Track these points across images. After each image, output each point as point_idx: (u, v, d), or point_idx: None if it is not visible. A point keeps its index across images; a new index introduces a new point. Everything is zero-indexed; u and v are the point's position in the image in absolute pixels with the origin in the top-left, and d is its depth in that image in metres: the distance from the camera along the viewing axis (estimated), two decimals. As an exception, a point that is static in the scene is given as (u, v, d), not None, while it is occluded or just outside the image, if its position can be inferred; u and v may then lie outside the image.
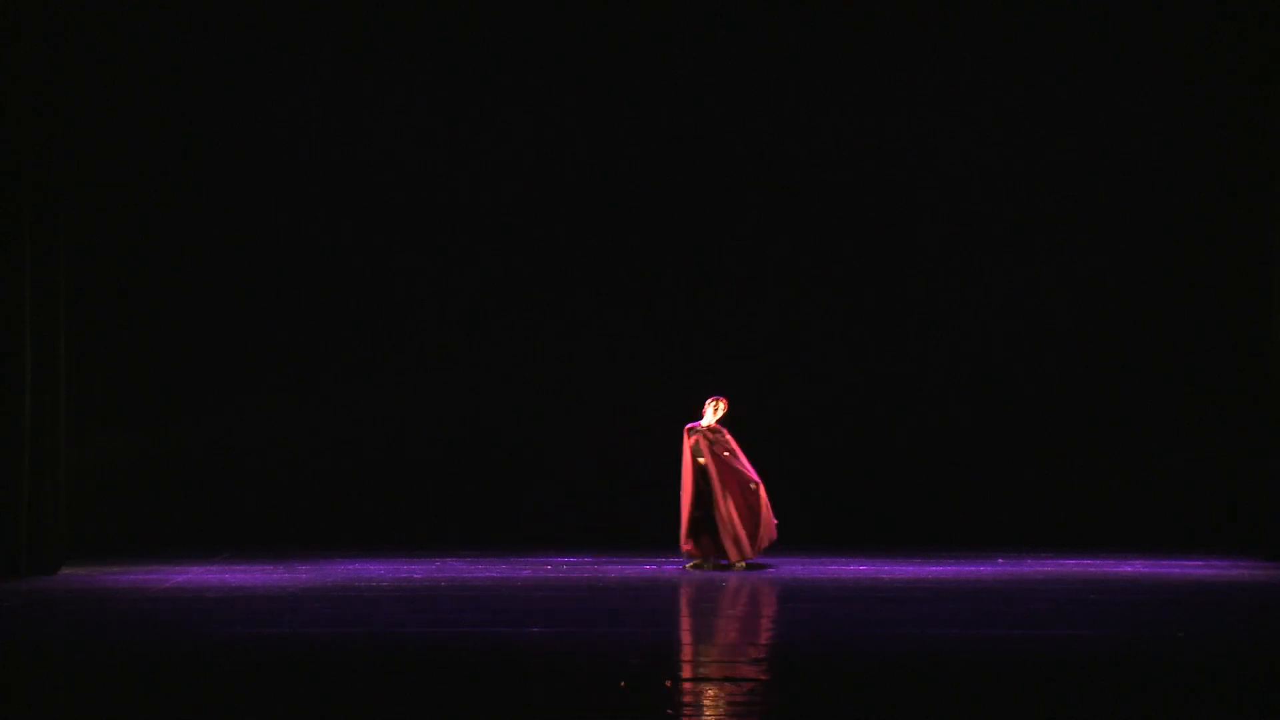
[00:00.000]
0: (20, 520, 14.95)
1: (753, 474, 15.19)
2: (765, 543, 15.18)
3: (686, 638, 11.63)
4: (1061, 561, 15.81)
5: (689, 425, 15.30)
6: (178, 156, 17.50)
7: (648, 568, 15.41)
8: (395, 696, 8.87)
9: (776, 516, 15.23)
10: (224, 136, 17.59)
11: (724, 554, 15.13)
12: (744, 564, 15.09)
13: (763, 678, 9.62)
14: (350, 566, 15.38)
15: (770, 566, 15.33)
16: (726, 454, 15.17)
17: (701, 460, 15.18)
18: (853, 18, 17.75)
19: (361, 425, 17.90)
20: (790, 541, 16.97)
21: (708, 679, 9.57)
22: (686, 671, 9.92)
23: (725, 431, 15.30)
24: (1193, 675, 9.59)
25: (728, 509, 15.09)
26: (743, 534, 15.10)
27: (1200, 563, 15.75)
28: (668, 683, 9.38)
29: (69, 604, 12.92)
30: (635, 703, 8.82)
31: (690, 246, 18.03)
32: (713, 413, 15.32)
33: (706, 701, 8.90)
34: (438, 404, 17.93)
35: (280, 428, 17.80)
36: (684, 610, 13.01)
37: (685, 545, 15.22)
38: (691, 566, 15.22)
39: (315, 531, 17.49)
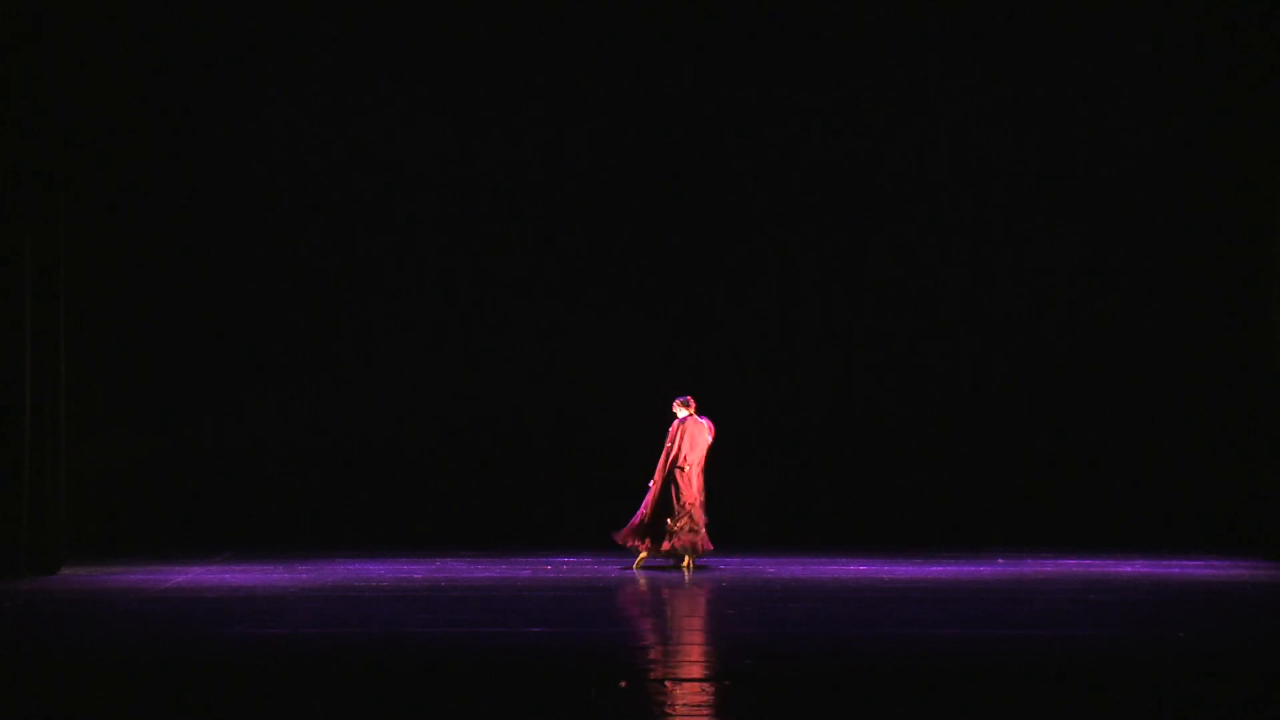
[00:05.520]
0: (20, 520, 14.96)
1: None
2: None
3: (684, 637, 11.63)
4: (1061, 561, 15.81)
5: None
6: (178, 156, 17.50)
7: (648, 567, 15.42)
8: (395, 696, 8.87)
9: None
10: (224, 137, 17.59)
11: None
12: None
13: (763, 678, 9.63)
14: (350, 566, 15.38)
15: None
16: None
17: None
18: (853, 16, 17.74)
19: (362, 425, 17.89)
20: (791, 541, 16.99)
21: (707, 679, 9.58)
22: (685, 671, 9.92)
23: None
24: (1193, 675, 9.59)
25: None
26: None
27: (1200, 563, 15.75)
28: (621, 684, 9.38)
29: (69, 604, 12.92)
30: (635, 702, 8.82)
31: (692, 245, 18.02)
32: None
33: (706, 701, 8.90)
34: (438, 404, 17.93)
35: (280, 428, 17.80)
36: (683, 610, 13.02)
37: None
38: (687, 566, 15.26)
39: (315, 531, 17.50)
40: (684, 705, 8.82)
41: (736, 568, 15.38)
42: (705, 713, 8.62)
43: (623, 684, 9.23)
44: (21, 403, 15.02)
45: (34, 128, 15.12)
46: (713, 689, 9.25)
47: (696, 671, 9.92)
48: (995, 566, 15.46)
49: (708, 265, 18.05)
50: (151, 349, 17.57)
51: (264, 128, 17.69)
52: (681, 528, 15.16)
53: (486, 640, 10.88)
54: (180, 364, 17.62)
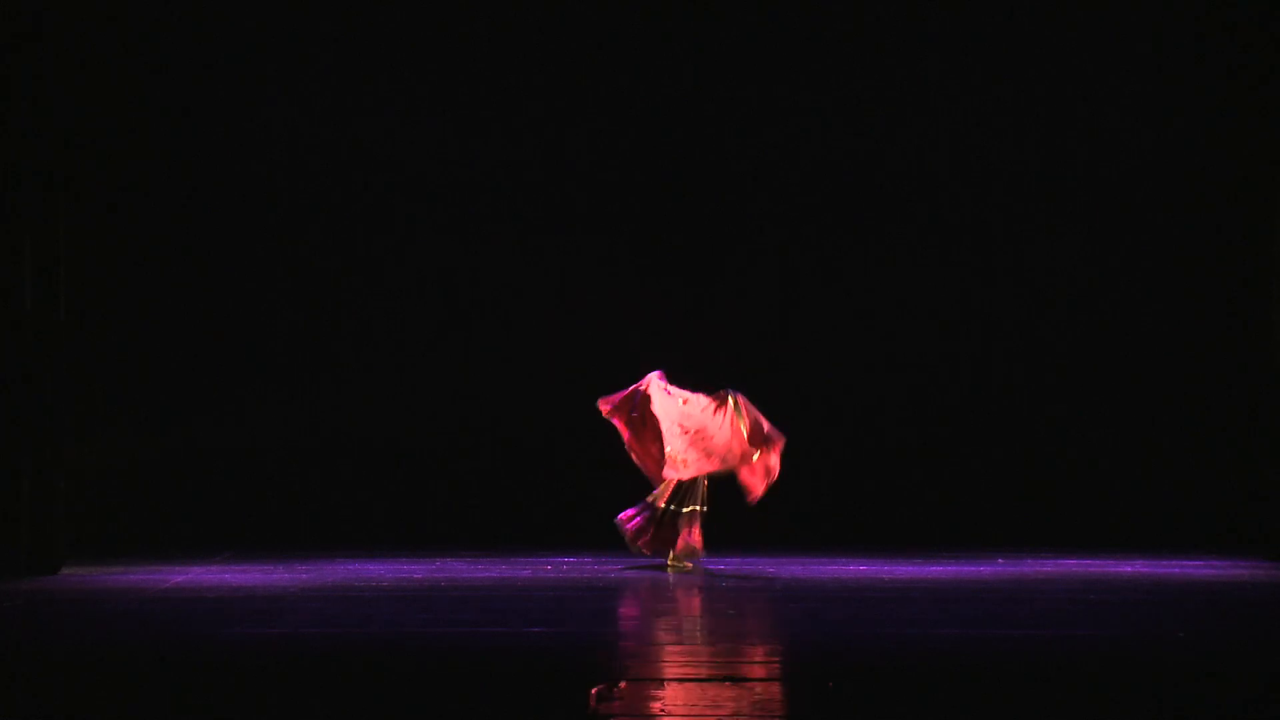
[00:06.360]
0: (20, 520, 14.96)
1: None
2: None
3: (684, 637, 11.62)
4: (1061, 561, 15.81)
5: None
6: (178, 156, 17.50)
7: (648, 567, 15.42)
8: (395, 696, 8.87)
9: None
10: (224, 137, 17.59)
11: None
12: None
13: (761, 678, 9.63)
14: (350, 566, 15.38)
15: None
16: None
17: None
18: (853, 16, 17.75)
19: (362, 425, 17.89)
20: (791, 541, 16.97)
21: (706, 679, 9.57)
22: (685, 671, 9.92)
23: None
24: (1193, 675, 9.59)
25: None
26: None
27: (1200, 563, 15.75)
28: (621, 684, 9.37)
29: (69, 604, 12.92)
30: (634, 702, 8.82)
31: (692, 245, 18.02)
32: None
33: (705, 702, 8.90)
34: (438, 404, 17.92)
35: (280, 428, 17.79)
36: (681, 610, 13.02)
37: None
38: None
39: (315, 531, 17.49)
40: (684, 705, 8.82)
41: (736, 568, 15.38)
42: (705, 713, 8.62)
43: (622, 684, 9.23)
44: (21, 403, 15.02)
45: (34, 128, 15.12)
46: (712, 689, 9.25)
47: (696, 671, 9.91)
48: (995, 566, 15.46)
49: (707, 265, 18.04)
50: (151, 349, 17.56)
51: (264, 128, 17.68)
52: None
53: (486, 640, 10.88)
54: (180, 364, 17.62)
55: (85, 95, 16.39)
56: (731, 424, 15.09)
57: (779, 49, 17.78)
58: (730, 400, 15.12)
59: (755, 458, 15.05)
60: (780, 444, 15.11)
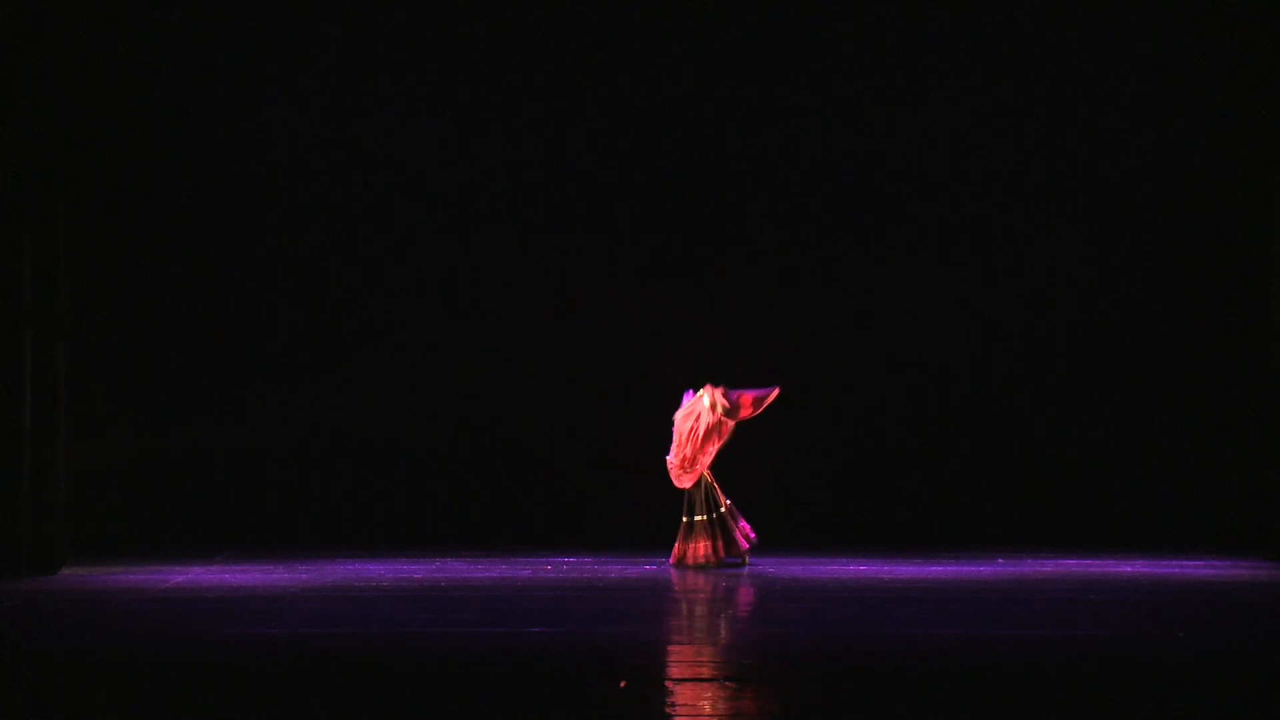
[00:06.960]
0: (20, 520, 14.96)
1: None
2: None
3: (685, 637, 11.63)
4: (1061, 561, 15.82)
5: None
6: (178, 156, 17.50)
7: (647, 567, 15.42)
8: (395, 696, 8.87)
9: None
10: (224, 137, 17.58)
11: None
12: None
13: (761, 678, 9.63)
14: (350, 566, 15.38)
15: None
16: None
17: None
18: (853, 16, 17.75)
19: (362, 425, 17.89)
20: (791, 542, 16.97)
21: (705, 679, 9.57)
22: (685, 671, 9.92)
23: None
24: (1193, 675, 9.59)
25: None
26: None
27: (1200, 563, 15.76)
28: (622, 683, 9.38)
29: (69, 604, 12.93)
30: (634, 703, 8.83)
31: (692, 245, 18.02)
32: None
33: (704, 702, 8.90)
34: (438, 404, 17.92)
35: (280, 428, 17.79)
36: (681, 610, 13.02)
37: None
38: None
39: (315, 531, 17.49)
40: (684, 705, 8.82)
41: (736, 568, 15.39)
42: (705, 712, 8.62)
43: (622, 684, 9.23)
44: (21, 403, 15.02)
45: (34, 128, 15.13)
46: (713, 689, 9.25)
47: (697, 672, 9.92)
48: (995, 566, 15.46)
49: (707, 265, 18.04)
50: (151, 349, 17.56)
51: (264, 128, 17.68)
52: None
53: (486, 640, 10.89)
54: (180, 364, 17.62)
55: (85, 95, 16.39)
56: (701, 409, 15.49)
57: (779, 49, 17.78)
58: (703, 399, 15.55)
59: (739, 398, 15.46)
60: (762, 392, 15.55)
